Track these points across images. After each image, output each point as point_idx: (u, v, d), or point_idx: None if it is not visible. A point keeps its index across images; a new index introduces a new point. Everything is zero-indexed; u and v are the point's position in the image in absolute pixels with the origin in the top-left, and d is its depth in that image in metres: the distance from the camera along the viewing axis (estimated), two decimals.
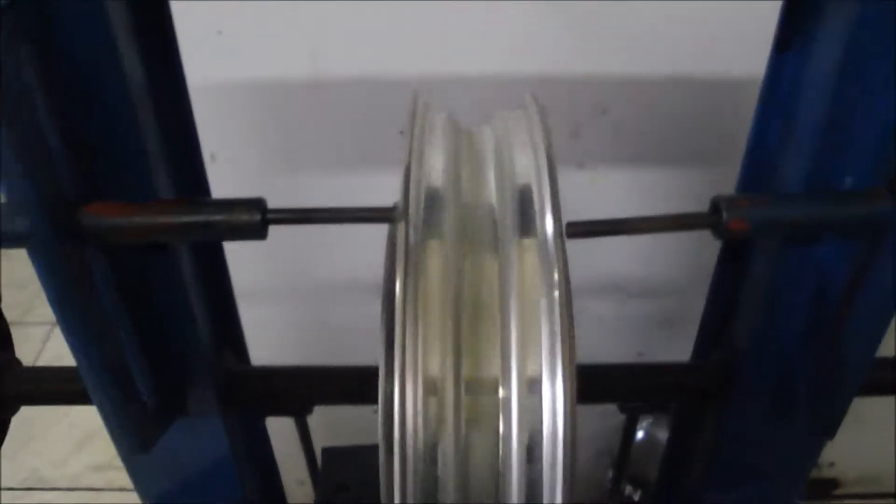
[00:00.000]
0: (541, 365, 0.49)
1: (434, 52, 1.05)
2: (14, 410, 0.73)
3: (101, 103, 0.46)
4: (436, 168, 0.57)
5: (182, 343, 0.61)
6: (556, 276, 0.49)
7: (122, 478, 1.82)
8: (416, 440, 0.47)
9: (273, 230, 1.13)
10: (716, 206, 0.48)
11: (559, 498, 0.49)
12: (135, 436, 0.57)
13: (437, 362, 0.49)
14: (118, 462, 1.88)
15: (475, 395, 0.50)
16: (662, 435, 1.36)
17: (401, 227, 0.50)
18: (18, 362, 0.73)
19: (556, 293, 0.50)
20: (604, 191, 1.14)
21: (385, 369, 0.56)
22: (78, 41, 0.43)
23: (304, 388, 0.69)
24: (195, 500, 0.75)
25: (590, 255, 1.32)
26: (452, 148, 0.59)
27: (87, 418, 1.92)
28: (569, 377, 0.47)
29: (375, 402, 0.71)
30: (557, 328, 0.49)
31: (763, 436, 0.72)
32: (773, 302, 0.62)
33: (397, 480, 0.47)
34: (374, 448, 1.00)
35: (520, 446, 0.49)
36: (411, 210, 0.50)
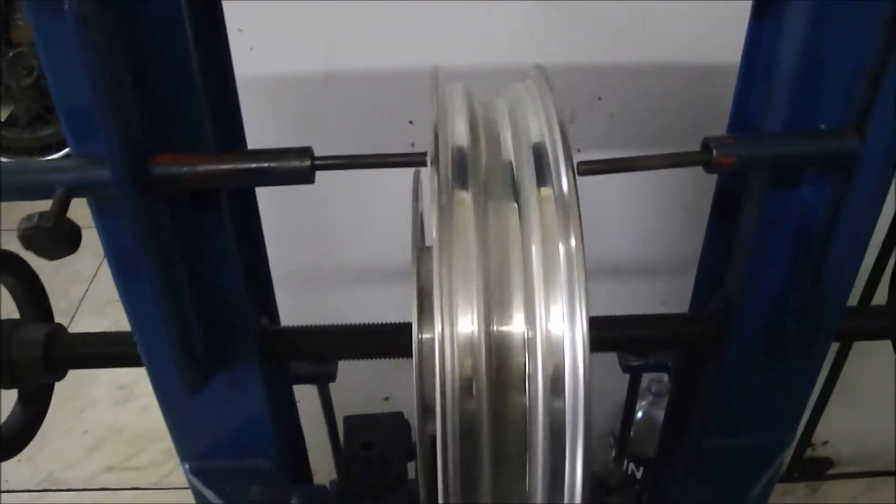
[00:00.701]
0: (562, 308, 0.55)
1: (437, 46, 1.12)
2: (63, 374, 0.78)
3: (168, 69, 0.52)
4: (459, 129, 0.63)
5: (227, 299, 0.67)
6: (572, 224, 0.56)
7: (135, 478, 1.87)
8: (454, 377, 0.53)
9: (289, 219, 1.19)
10: (707, 145, 0.55)
11: (581, 427, 0.55)
12: (188, 376, 0.63)
13: (469, 306, 0.55)
14: (131, 463, 1.93)
15: (503, 337, 0.56)
16: (660, 414, 1.42)
17: (434, 178, 0.56)
18: (64, 329, 0.79)
19: (573, 241, 0.56)
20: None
21: (417, 317, 0.63)
22: (154, 17, 0.50)
23: (333, 344, 0.75)
24: (233, 458, 0.80)
25: (587, 235, 1.39)
26: (471, 113, 0.66)
27: (98, 423, 1.97)
28: (586, 319, 0.53)
29: (398, 356, 0.78)
30: (576, 274, 0.55)
31: (757, 380, 0.78)
32: (761, 246, 0.69)
33: (438, 413, 0.52)
34: (395, 415, 1.06)
35: (545, 381, 0.55)
36: (441, 164, 0.57)
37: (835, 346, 1.56)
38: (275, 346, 0.74)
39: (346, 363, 0.87)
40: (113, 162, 0.50)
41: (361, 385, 1.30)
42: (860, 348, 1.57)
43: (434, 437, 0.70)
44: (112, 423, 1.97)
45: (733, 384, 0.79)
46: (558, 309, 0.56)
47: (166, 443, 1.93)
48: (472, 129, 0.63)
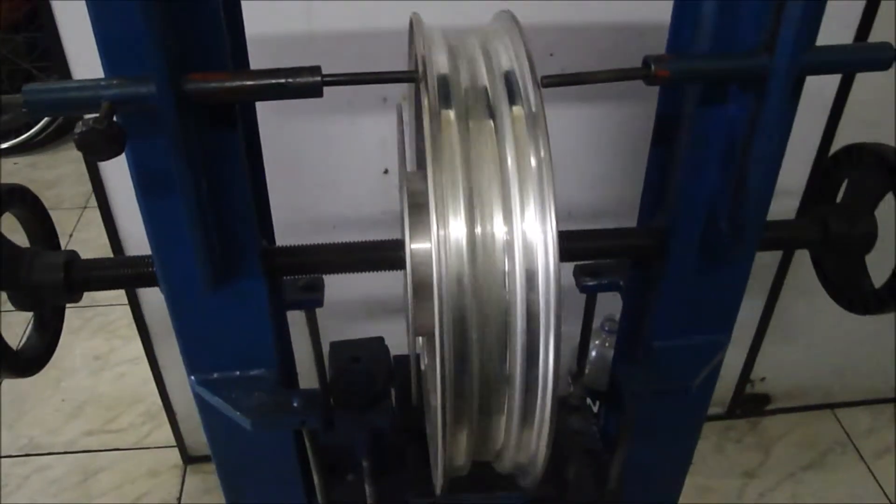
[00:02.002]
0: (534, 213, 0.67)
1: (403, 9, 1.22)
2: (80, 297, 0.87)
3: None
4: (440, 61, 0.74)
5: (238, 211, 0.76)
6: (541, 137, 0.67)
7: (115, 440, 1.94)
8: (448, 271, 0.64)
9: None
10: (646, 62, 0.66)
11: (553, 318, 0.66)
12: (208, 275, 0.72)
13: (458, 214, 0.66)
14: (110, 426, 2.00)
15: (486, 239, 0.67)
16: (611, 352, 1.54)
17: (424, 98, 0.66)
18: (79, 255, 0.87)
19: (543, 152, 0.67)
20: (553, 124, 1.32)
21: (409, 227, 0.73)
22: None
23: (331, 260, 0.85)
24: (237, 368, 0.89)
25: None
26: (449, 48, 0.76)
27: (76, 392, 2.03)
28: (555, 216, 0.65)
29: (389, 268, 0.87)
30: (546, 183, 0.67)
31: (696, 284, 0.90)
32: (694, 161, 0.81)
33: (436, 306, 0.63)
34: (379, 339, 1.17)
35: (521, 278, 0.66)
36: (429, 89, 0.67)
37: (767, 284, 1.72)
38: (277, 262, 0.83)
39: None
40: (157, 78, 0.59)
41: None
42: (792, 285, 1.73)
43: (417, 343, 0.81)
44: (90, 391, 2.03)
45: (676, 289, 0.91)
46: (531, 211, 0.67)
47: (144, 406, 2.02)
48: (452, 60, 0.74)
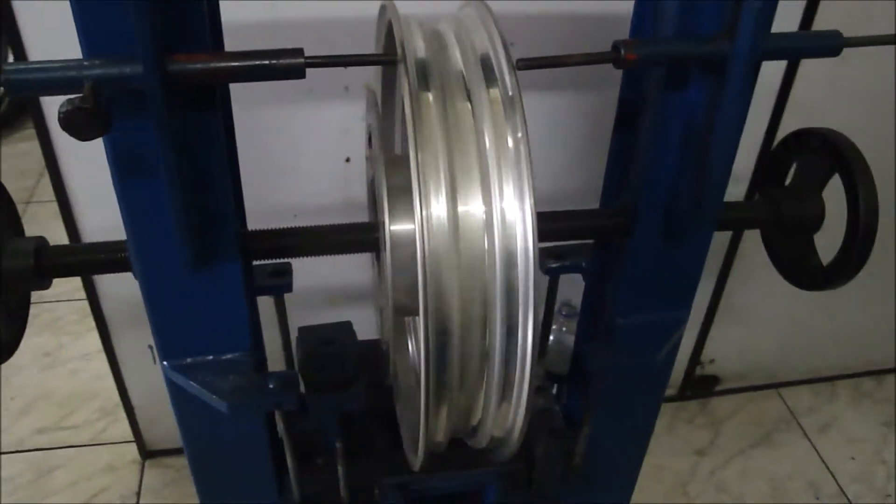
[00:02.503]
0: (513, 192, 0.69)
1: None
2: (49, 284, 0.86)
3: None
4: (418, 45, 0.76)
5: (216, 194, 0.76)
6: (518, 118, 0.70)
7: (70, 437, 1.90)
8: (431, 250, 0.66)
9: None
10: (616, 46, 0.69)
11: (532, 295, 0.69)
12: (190, 254, 0.72)
13: (439, 194, 0.68)
14: (64, 423, 1.95)
15: (467, 217, 0.69)
16: (570, 338, 1.58)
17: (405, 80, 0.68)
18: (48, 242, 0.86)
19: (520, 133, 0.70)
20: None
21: (388, 208, 0.75)
22: None
23: (306, 243, 0.86)
24: (211, 352, 0.90)
25: None
26: (424, 33, 0.78)
27: (26, 389, 1.98)
28: (533, 201, 0.67)
29: (363, 250, 0.89)
30: (524, 163, 0.69)
31: (656, 262, 0.94)
32: (657, 144, 0.84)
33: (420, 284, 0.65)
34: (347, 323, 1.18)
35: (501, 254, 0.69)
36: (409, 72, 0.68)
37: (716, 268, 1.78)
38: (254, 245, 0.84)
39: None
40: (144, 58, 0.59)
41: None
42: (739, 269, 1.80)
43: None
44: (40, 388, 1.99)
45: (639, 267, 0.95)
46: (510, 188, 0.70)
47: (99, 402, 1.98)
48: (429, 45, 0.76)
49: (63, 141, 1.26)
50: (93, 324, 1.54)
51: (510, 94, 0.70)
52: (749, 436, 2.00)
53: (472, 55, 0.75)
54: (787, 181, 0.99)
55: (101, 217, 1.32)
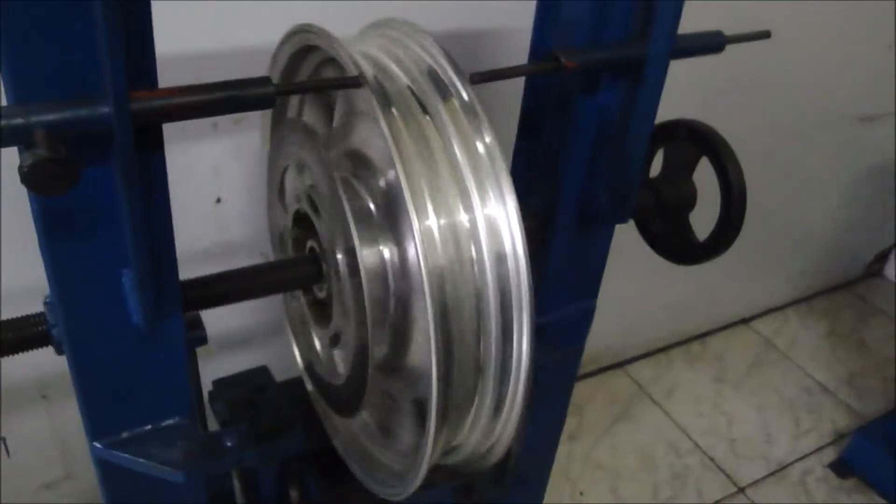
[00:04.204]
0: (492, 193, 0.70)
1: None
2: None
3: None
4: (365, 66, 0.74)
5: (162, 241, 0.69)
6: (483, 124, 0.70)
7: None
8: (431, 268, 0.65)
9: None
10: (555, 56, 0.73)
11: (525, 292, 0.70)
12: (150, 313, 0.66)
13: (425, 208, 0.67)
14: None
15: (453, 230, 0.69)
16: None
17: (375, 102, 0.66)
18: None
19: (489, 138, 0.71)
20: None
21: (357, 234, 0.72)
22: None
23: (251, 284, 0.81)
24: (152, 420, 0.81)
25: None
26: (363, 54, 0.77)
27: None
28: (513, 196, 0.69)
29: (311, 284, 0.84)
30: (499, 164, 0.70)
31: (574, 254, 0.99)
32: (572, 146, 0.90)
33: (427, 294, 0.64)
34: (262, 368, 1.12)
35: (490, 258, 0.69)
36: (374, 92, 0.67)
37: None
38: (194, 295, 0.78)
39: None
40: (116, 97, 0.53)
41: None
42: None
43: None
44: None
45: (558, 262, 0.99)
46: (489, 194, 0.70)
47: None
48: (372, 65, 0.75)
49: None
50: None
51: (467, 100, 0.71)
52: (610, 414, 2.15)
53: (416, 71, 0.75)
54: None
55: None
